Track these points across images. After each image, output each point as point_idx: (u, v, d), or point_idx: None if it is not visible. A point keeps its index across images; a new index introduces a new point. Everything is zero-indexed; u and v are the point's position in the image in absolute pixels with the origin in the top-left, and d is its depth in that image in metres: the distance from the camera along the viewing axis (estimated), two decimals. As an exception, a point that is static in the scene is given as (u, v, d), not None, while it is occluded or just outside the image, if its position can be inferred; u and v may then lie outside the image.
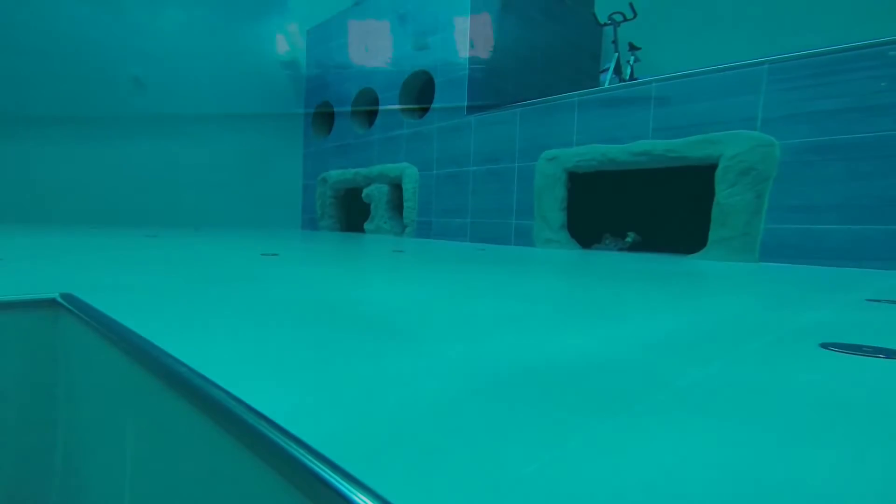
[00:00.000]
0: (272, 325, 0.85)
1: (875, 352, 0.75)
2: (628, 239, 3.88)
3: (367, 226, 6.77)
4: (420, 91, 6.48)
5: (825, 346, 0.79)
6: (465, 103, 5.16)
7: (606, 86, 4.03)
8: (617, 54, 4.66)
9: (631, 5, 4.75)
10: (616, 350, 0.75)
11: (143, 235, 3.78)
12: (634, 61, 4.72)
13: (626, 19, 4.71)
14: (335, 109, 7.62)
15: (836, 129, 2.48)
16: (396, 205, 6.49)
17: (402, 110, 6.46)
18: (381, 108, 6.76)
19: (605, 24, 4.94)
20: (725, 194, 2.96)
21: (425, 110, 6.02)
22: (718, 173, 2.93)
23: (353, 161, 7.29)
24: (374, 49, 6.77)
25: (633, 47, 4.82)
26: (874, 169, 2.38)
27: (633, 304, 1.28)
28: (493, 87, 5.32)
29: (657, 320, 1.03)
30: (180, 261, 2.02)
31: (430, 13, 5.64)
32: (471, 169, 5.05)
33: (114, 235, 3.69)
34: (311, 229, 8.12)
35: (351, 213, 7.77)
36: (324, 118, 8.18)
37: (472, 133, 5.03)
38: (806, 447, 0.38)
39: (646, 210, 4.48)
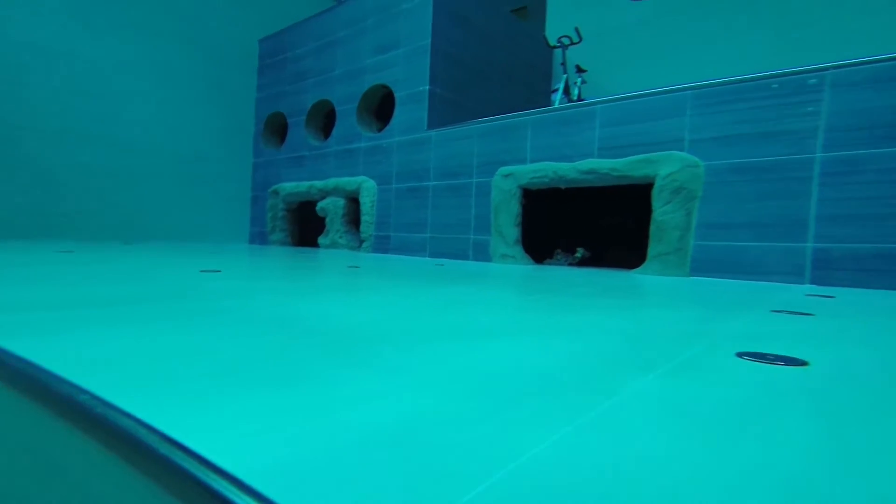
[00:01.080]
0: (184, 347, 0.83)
1: (776, 359, 0.90)
2: (577, 255, 4.17)
3: (321, 240, 6.62)
4: (379, 104, 6.60)
5: (740, 355, 0.92)
6: (426, 118, 5.32)
7: (557, 105, 4.35)
8: (566, 75, 5.05)
9: (576, 30, 5.21)
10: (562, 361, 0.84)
11: (54, 251, 3.40)
12: (581, 83, 5.15)
13: (572, 42, 5.10)
14: (289, 120, 7.50)
15: (744, 152, 2.89)
16: (353, 219, 6.43)
17: (361, 123, 6.51)
18: (338, 119, 6.76)
19: (555, 47, 5.36)
20: (661, 212, 3.30)
21: (385, 123, 6.13)
22: (655, 192, 3.27)
23: (307, 173, 7.15)
24: (332, 61, 6.81)
25: (579, 69, 5.26)
26: (774, 190, 2.80)
27: (581, 315, 1.40)
28: (453, 102, 5.55)
29: (600, 331, 1.14)
30: (89, 279, 1.80)
31: (391, 28, 5.81)
32: (430, 184, 5.18)
33: (16, 251, 3.29)
34: (260, 243, 7.76)
35: (304, 226, 7.56)
36: (276, 128, 8.00)
37: (433, 148, 5.18)
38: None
39: (595, 226, 4.84)
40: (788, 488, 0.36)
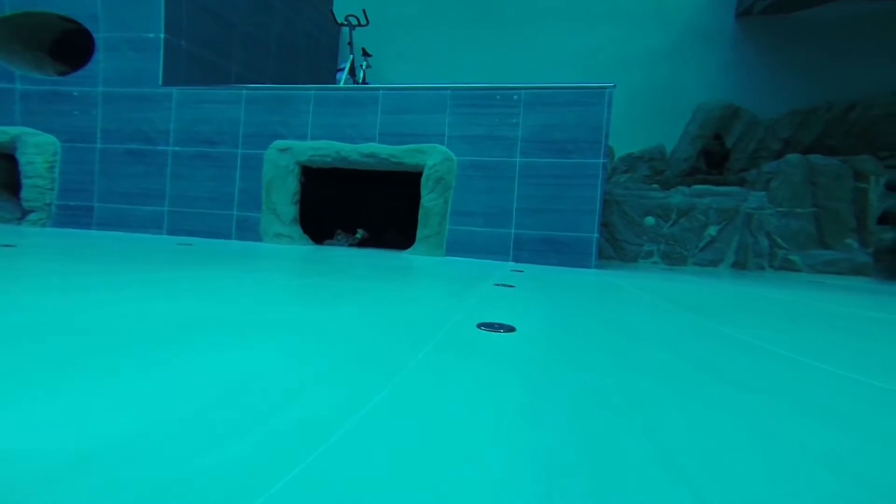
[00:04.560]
0: None
1: (499, 328, 1.23)
2: (358, 235, 4.79)
3: None
4: (58, 41, 5.25)
5: (479, 326, 1.24)
6: (161, 72, 4.73)
7: (342, 85, 4.95)
8: (352, 56, 5.56)
9: (363, 12, 5.80)
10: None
11: None
12: (367, 67, 5.98)
13: (359, 24, 5.70)
14: None
15: (480, 150, 4.43)
16: (3, 183, 4.51)
17: (13, 59, 4.95)
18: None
19: (342, 25, 5.84)
20: (427, 199, 4.44)
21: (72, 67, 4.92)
22: (423, 180, 4.40)
23: None
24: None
25: (365, 53, 6.08)
26: (496, 186, 4.46)
27: (360, 298, 1.76)
28: (211, 63, 5.17)
29: (382, 315, 1.31)
30: None
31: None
32: (170, 149, 4.52)
33: None
34: None
35: None
36: None
37: (174, 108, 4.61)
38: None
39: (375, 208, 5.60)
40: (503, 412, 0.67)
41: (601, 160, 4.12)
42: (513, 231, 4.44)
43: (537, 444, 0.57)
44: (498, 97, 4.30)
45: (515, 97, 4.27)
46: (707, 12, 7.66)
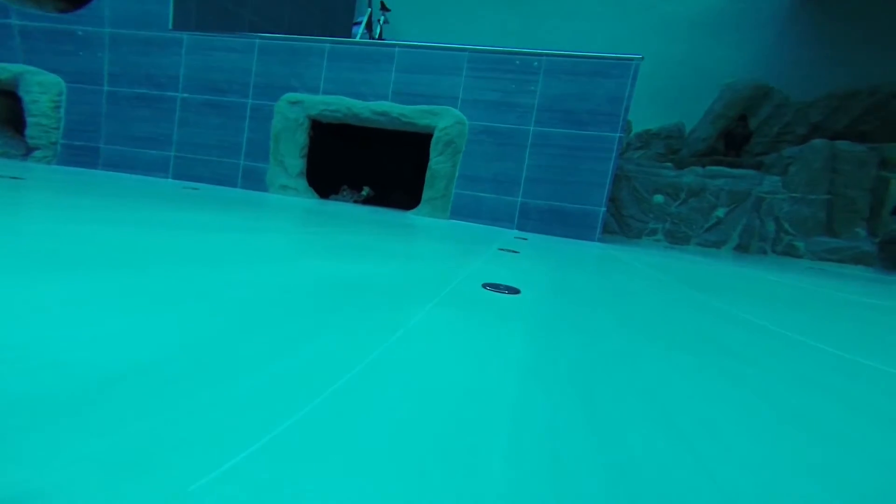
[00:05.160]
0: None
1: (504, 289, 1.32)
2: (363, 193, 4.85)
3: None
4: None
5: (484, 286, 1.33)
6: (171, 15, 4.67)
7: (358, 39, 4.86)
8: (370, 10, 5.51)
9: None
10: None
11: None
12: (384, 22, 5.84)
13: None
14: None
15: (493, 116, 4.42)
16: (6, 118, 4.56)
17: None
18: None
19: None
20: (435, 161, 4.47)
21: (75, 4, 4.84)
22: (432, 142, 4.42)
23: None
24: None
25: (384, 7, 5.92)
26: (506, 153, 4.49)
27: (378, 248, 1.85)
28: (222, 8, 5.09)
29: (394, 270, 1.42)
30: None
31: None
32: (179, 95, 4.53)
33: None
34: None
35: None
36: None
37: (184, 54, 4.58)
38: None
39: (382, 167, 5.62)
40: (510, 364, 0.71)
41: (618, 134, 4.13)
42: (519, 199, 4.49)
43: (541, 398, 0.61)
44: (517, 62, 4.26)
45: (535, 63, 4.23)
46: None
